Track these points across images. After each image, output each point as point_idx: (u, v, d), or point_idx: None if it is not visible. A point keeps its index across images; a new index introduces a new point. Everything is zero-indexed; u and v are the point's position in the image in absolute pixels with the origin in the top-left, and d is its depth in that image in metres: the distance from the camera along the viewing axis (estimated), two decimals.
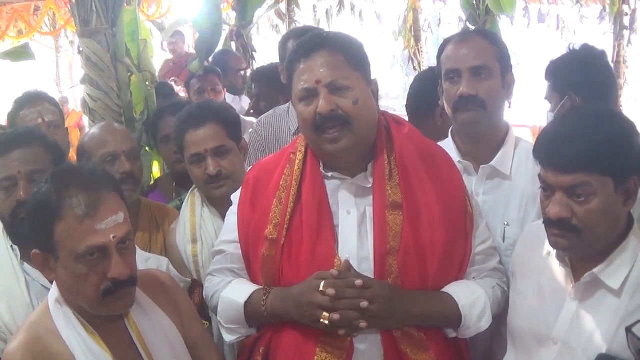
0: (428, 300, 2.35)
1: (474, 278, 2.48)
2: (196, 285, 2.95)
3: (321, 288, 2.23)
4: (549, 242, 2.17)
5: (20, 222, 2.53)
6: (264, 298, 2.39)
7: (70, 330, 2.12)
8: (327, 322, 2.21)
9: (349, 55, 2.37)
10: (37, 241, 2.13)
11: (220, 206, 3.03)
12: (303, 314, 2.28)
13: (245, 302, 2.44)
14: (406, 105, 3.94)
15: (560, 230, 2.09)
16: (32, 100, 3.91)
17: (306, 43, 2.43)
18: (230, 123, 3.10)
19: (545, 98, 3.29)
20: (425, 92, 3.74)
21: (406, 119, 2.86)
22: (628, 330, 1.85)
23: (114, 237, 2.06)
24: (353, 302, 2.20)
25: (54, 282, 2.20)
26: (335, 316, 2.19)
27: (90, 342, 2.12)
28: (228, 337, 2.53)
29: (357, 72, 2.37)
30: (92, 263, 2.05)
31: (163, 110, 4.09)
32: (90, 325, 2.15)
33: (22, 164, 2.66)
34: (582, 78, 3.06)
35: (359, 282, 2.22)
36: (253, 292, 2.45)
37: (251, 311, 2.43)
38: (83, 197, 2.05)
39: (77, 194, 2.05)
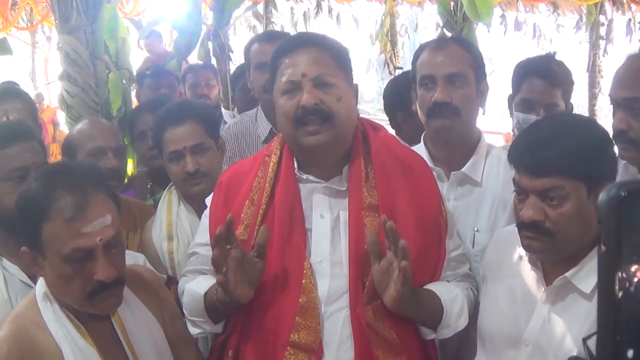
0: (419, 291, 2.33)
1: (447, 282, 2.48)
2: (172, 282, 2.95)
3: None
4: (522, 245, 2.19)
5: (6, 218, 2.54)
6: (217, 287, 2.34)
7: (58, 324, 2.10)
8: None
9: (335, 55, 2.37)
10: (25, 239, 2.11)
11: (196, 204, 3.03)
12: None
13: (205, 293, 2.40)
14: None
15: (533, 233, 2.11)
16: (1, 97, 3.85)
17: (294, 40, 2.43)
18: (209, 121, 3.11)
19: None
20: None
21: (381, 123, 2.88)
22: (584, 341, 1.88)
23: (100, 240, 2.04)
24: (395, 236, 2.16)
25: (40, 278, 2.19)
26: None
27: (77, 337, 2.10)
28: (193, 330, 2.49)
29: (342, 72, 2.37)
30: (78, 264, 2.04)
31: (142, 106, 4.09)
32: (76, 320, 2.14)
33: (34, 155, 2.69)
34: None
35: (403, 242, 2.16)
36: (213, 284, 2.39)
37: (209, 302, 2.39)
38: (70, 199, 2.03)
39: (64, 195, 2.03)
